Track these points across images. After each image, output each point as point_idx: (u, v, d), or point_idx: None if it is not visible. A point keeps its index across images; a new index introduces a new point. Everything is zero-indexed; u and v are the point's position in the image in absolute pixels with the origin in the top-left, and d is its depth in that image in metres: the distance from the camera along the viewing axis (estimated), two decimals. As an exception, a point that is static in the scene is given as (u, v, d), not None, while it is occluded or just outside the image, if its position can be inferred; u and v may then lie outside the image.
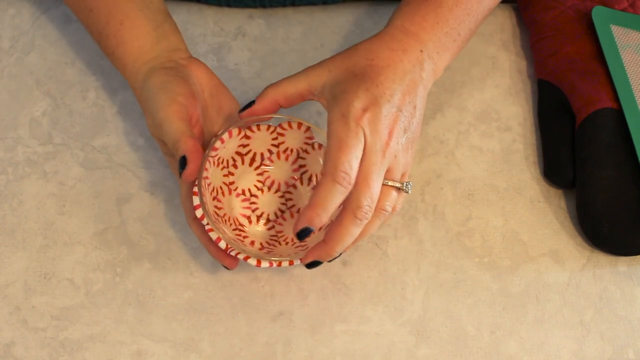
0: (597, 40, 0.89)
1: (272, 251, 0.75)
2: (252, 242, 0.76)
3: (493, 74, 0.92)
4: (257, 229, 0.78)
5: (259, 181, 0.79)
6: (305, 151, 0.78)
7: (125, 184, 0.82)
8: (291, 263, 0.71)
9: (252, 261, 0.70)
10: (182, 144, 0.70)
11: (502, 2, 0.98)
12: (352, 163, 0.65)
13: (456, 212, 0.83)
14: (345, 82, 0.69)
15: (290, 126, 0.77)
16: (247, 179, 0.79)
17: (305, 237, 0.66)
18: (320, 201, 0.65)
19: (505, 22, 0.96)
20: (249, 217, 0.78)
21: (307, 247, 0.72)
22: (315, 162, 0.78)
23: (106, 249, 0.79)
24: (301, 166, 0.79)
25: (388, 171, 0.69)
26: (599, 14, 0.90)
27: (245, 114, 0.73)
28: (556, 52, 0.89)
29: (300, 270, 0.79)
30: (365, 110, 0.66)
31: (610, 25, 0.89)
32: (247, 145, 0.78)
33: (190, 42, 0.91)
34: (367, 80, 0.68)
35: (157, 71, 0.75)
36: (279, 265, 0.70)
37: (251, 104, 0.73)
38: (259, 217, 0.78)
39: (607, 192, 0.80)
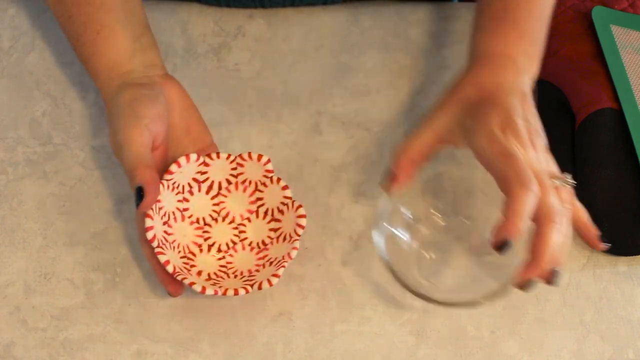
0: (597, 40, 0.89)
1: (218, 283, 0.75)
2: (199, 272, 0.76)
3: None
4: (208, 259, 0.78)
5: (214, 211, 0.80)
6: (264, 184, 0.79)
7: (125, 184, 0.80)
8: (236, 293, 0.71)
9: (197, 287, 0.71)
10: (139, 173, 0.71)
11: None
12: (528, 172, 0.66)
13: None
14: (471, 116, 0.72)
15: (250, 157, 0.78)
16: (202, 207, 0.79)
17: (506, 250, 0.66)
18: (518, 214, 0.65)
19: (507, 22, 0.97)
20: (200, 246, 0.78)
21: (255, 282, 0.73)
22: (273, 196, 0.79)
23: (106, 249, 0.80)
24: (258, 199, 0.80)
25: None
26: (599, 14, 0.91)
27: (393, 187, 0.75)
28: (556, 52, 0.90)
29: (300, 269, 0.79)
30: (504, 129, 0.69)
31: (610, 25, 0.90)
32: (205, 172, 0.78)
33: (190, 42, 0.92)
34: (489, 105, 0.72)
35: (129, 87, 0.76)
36: (224, 294, 0.71)
37: (392, 175, 0.74)
38: (210, 247, 0.79)
39: (607, 192, 0.81)
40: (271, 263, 0.75)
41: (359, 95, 0.91)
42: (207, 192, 0.79)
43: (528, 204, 0.65)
